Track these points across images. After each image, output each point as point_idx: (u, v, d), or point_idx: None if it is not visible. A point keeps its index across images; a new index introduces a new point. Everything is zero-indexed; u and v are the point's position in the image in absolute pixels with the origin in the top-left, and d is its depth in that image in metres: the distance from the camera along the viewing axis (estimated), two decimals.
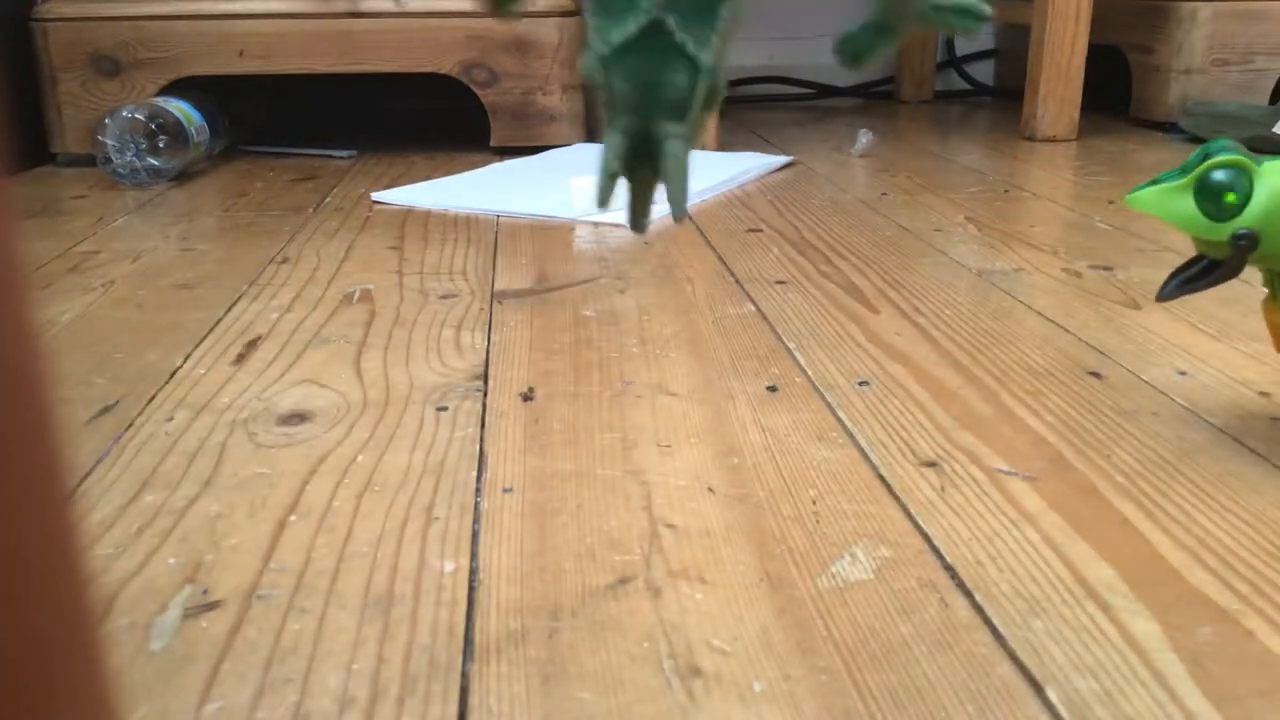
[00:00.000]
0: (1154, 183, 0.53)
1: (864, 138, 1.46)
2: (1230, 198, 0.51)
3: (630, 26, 0.28)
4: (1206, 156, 0.52)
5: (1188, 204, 0.52)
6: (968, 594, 0.43)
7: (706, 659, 0.39)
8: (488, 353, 0.70)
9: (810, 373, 0.66)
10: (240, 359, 0.69)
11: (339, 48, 1.37)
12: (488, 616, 0.42)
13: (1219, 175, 0.51)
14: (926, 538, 0.47)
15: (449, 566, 0.45)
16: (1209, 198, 0.51)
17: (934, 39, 1.96)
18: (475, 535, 0.48)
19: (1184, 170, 0.53)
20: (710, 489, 0.51)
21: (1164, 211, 0.52)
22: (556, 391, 0.64)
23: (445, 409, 0.61)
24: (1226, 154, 0.51)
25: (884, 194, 1.20)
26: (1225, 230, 0.51)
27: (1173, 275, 0.55)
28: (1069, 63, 1.48)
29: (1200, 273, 0.54)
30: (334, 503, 0.51)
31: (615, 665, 0.39)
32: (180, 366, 0.68)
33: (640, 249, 0.96)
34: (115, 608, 0.42)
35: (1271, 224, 0.50)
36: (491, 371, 0.67)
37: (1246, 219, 0.51)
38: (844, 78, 2.04)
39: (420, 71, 1.39)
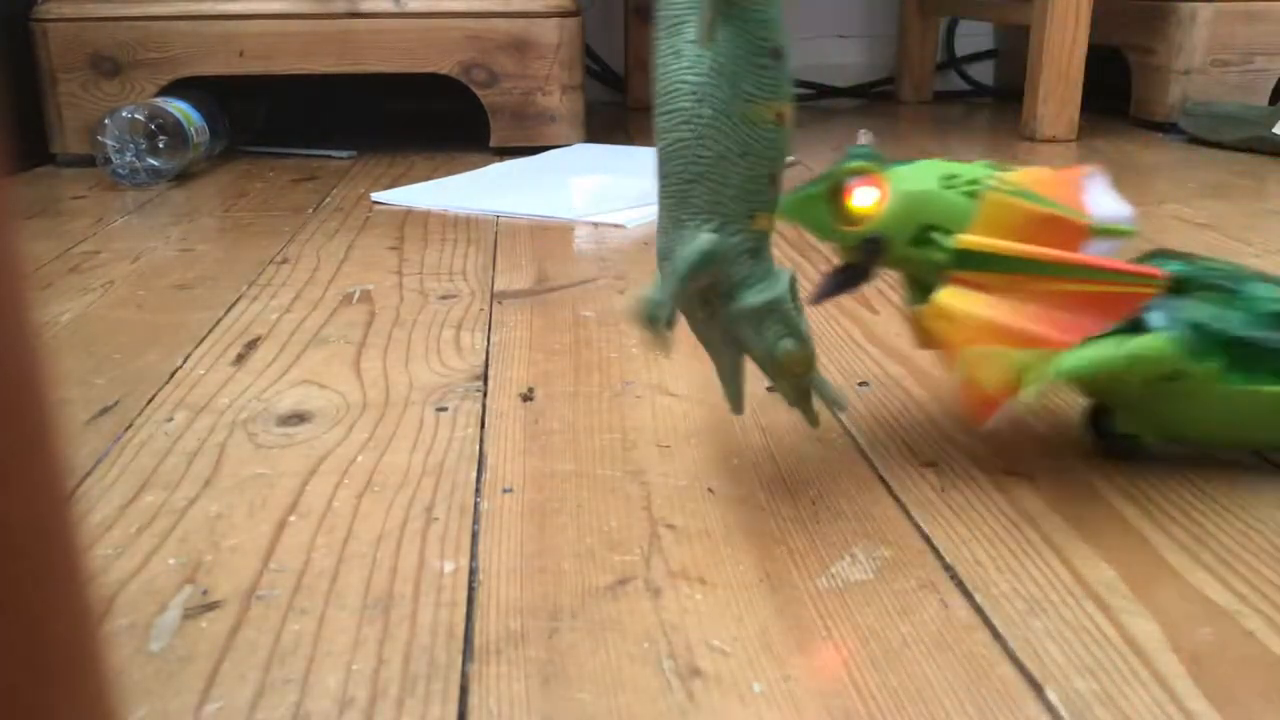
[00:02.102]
0: (797, 190, 0.53)
1: (864, 138, 1.46)
2: (860, 204, 0.51)
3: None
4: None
5: (823, 211, 0.52)
6: (968, 594, 0.43)
7: (706, 659, 0.39)
8: (487, 353, 0.70)
9: None
10: (240, 359, 0.69)
11: (339, 48, 1.37)
12: (487, 617, 0.42)
13: (849, 182, 0.51)
14: (926, 538, 0.47)
15: (449, 567, 0.45)
16: (840, 204, 0.51)
17: (935, 38, 1.96)
18: (475, 535, 0.48)
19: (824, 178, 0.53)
20: (710, 489, 0.51)
21: (803, 218, 0.52)
22: (556, 392, 0.64)
23: (445, 409, 0.61)
24: (858, 160, 0.52)
25: None
26: (856, 236, 0.51)
27: (825, 278, 0.55)
28: (1069, 63, 1.48)
29: (845, 278, 0.54)
30: (334, 503, 0.51)
31: (615, 665, 0.39)
32: (180, 367, 0.68)
33: (640, 249, 0.96)
34: (115, 608, 0.42)
35: (899, 229, 0.51)
36: (491, 372, 0.67)
37: (875, 224, 0.51)
38: (844, 78, 2.05)
39: (420, 72, 1.39)
